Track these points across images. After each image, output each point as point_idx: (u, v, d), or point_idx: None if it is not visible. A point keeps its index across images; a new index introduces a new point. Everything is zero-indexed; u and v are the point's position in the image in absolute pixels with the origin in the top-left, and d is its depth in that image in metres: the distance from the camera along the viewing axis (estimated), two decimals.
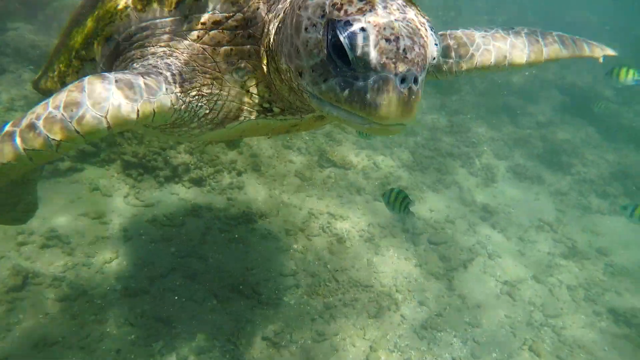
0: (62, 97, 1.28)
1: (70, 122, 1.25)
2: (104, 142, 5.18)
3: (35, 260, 4.05)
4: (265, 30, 1.44)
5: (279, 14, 1.39)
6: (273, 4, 1.44)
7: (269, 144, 5.82)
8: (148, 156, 5.06)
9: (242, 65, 1.50)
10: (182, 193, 5.03)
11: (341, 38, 1.06)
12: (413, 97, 1.05)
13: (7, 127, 1.32)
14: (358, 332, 4.11)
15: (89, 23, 1.65)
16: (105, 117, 1.27)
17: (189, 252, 4.41)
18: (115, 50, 1.57)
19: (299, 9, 1.20)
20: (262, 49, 1.45)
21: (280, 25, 1.36)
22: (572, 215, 7.07)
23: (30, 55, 6.13)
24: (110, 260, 4.20)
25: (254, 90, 1.55)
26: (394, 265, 4.91)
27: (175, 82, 1.46)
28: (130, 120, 1.31)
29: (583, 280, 5.72)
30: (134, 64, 1.51)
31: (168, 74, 1.45)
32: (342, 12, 1.09)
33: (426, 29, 1.12)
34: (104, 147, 5.17)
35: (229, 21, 1.45)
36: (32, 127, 1.27)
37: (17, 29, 6.72)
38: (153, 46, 1.49)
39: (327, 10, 1.12)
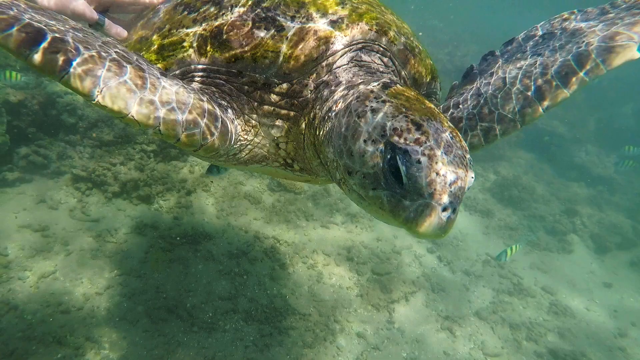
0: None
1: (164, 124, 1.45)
2: (55, 154, 5.33)
3: None
4: (310, 107, 1.65)
5: (329, 99, 1.61)
6: (322, 85, 1.64)
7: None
8: (98, 171, 5.22)
9: (279, 124, 1.71)
10: (128, 210, 5.19)
11: (399, 163, 1.25)
12: (450, 222, 1.26)
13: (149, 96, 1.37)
14: None
15: (156, 42, 1.77)
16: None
17: (129, 270, 4.56)
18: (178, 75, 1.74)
19: (358, 118, 1.39)
20: (303, 121, 1.67)
21: (330, 114, 1.55)
22: (520, 250, 7.47)
23: None
24: (47, 275, 4.31)
25: (282, 146, 1.78)
26: (334, 295, 5.15)
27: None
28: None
29: (526, 319, 6.03)
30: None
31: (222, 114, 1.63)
32: (402, 139, 1.27)
33: (467, 164, 1.31)
34: (55, 159, 5.31)
35: (278, 87, 1.64)
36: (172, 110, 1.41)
37: None
38: (209, 85, 1.67)
39: (388, 133, 1.29)
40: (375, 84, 1.52)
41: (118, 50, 1.41)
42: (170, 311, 4.31)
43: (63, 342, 3.81)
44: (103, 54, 1.33)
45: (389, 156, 1.28)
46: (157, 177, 5.45)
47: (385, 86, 1.49)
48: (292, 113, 1.69)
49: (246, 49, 1.61)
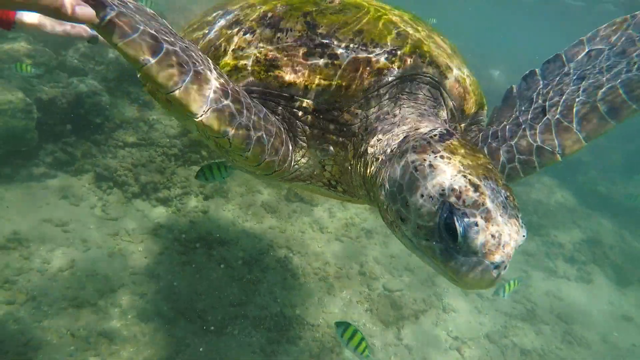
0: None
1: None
2: (80, 152, 5.54)
3: None
4: (360, 137, 1.72)
5: (379, 136, 1.67)
6: (372, 116, 1.70)
7: (239, 173, 6.18)
8: (119, 171, 5.40)
9: (327, 148, 1.78)
10: (147, 210, 5.34)
11: (456, 224, 1.30)
12: (498, 278, 1.32)
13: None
14: None
15: (230, 61, 1.80)
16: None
17: (143, 270, 4.68)
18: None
19: (416, 171, 1.43)
20: (351, 149, 1.74)
21: (382, 156, 1.61)
22: (537, 277, 7.36)
23: None
24: (65, 269, 4.46)
25: (328, 169, 1.86)
26: (344, 307, 5.17)
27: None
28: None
29: (538, 346, 5.94)
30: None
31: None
32: (460, 200, 1.32)
33: (519, 224, 1.36)
34: (79, 157, 5.52)
35: (328, 113, 1.71)
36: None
37: None
38: (268, 107, 1.73)
39: (447, 193, 1.34)
40: (432, 133, 1.54)
41: (212, 66, 1.47)
42: (181, 313, 4.40)
43: (76, 335, 3.93)
44: (207, 70, 1.40)
45: (445, 215, 1.33)
46: (176, 181, 5.61)
47: (442, 138, 1.51)
48: (340, 139, 1.74)
49: (299, 75, 1.66)
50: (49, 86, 5.51)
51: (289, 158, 1.71)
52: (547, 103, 1.87)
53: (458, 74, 1.80)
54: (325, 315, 4.97)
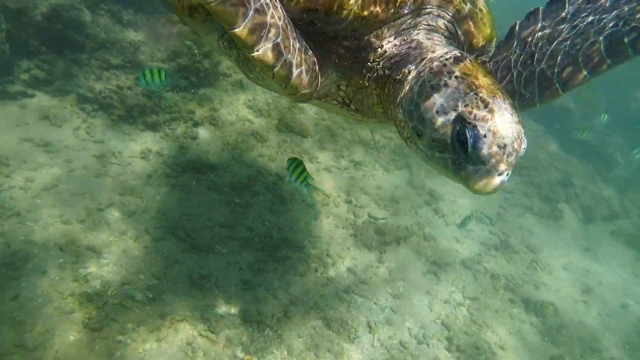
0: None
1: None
2: (59, 71, 5.14)
3: None
4: (374, 63, 1.79)
5: (397, 61, 1.72)
6: (387, 44, 1.77)
7: (230, 102, 5.89)
8: (104, 93, 5.06)
9: (342, 71, 1.86)
10: (134, 134, 5.08)
11: (467, 136, 1.41)
12: (503, 184, 1.45)
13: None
14: (282, 285, 4.35)
15: None
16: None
17: (130, 190, 4.51)
18: None
19: (432, 90, 1.52)
20: (366, 73, 1.81)
21: (400, 78, 1.68)
22: (513, 212, 7.48)
23: None
24: (50, 187, 4.26)
25: (343, 88, 1.95)
26: (330, 232, 5.15)
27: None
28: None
29: (507, 271, 6.13)
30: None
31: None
32: (472, 115, 1.42)
33: (522, 137, 1.46)
34: (59, 76, 5.13)
35: (345, 40, 1.77)
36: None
37: None
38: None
39: (460, 108, 1.44)
40: (447, 56, 1.61)
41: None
42: (170, 232, 4.30)
43: (64, 250, 3.81)
44: (265, 7, 1.48)
45: (458, 127, 1.43)
46: (164, 106, 5.30)
47: (457, 60, 1.58)
48: (356, 63, 1.81)
49: (320, 2, 1.69)
50: None
51: (316, 87, 1.80)
52: (537, 50, 1.96)
53: (471, 9, 1.85)
54: (311, 239, 4.95)
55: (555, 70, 1.86)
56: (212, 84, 5.76)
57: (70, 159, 4.61)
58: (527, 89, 1.92)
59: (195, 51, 5.40)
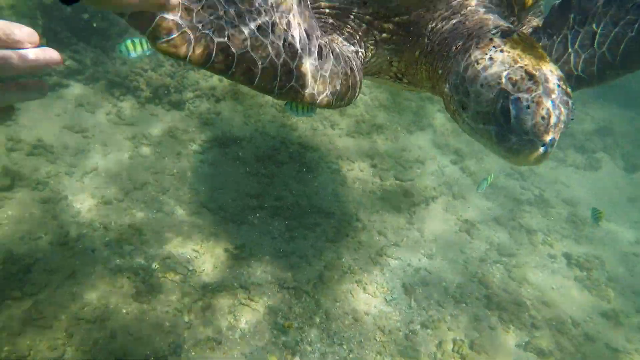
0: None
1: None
2: (89, 59, 5.27)
3: (22, 165, 4.33)
4: (425, 38, 1.77)
5: (445, 35, 1.70)
6: (438, 17, 1.74)
7: None
8: (130, 77, 5.17)
9: (394, 48, 1.86)
10: (161, 114, 5.19)
11: (510, 107, 1.39)
12: (547, 155, 1.42)
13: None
14: (315, 252, 4.43)
15: None
16: None
17: (162, 168, 4.66)
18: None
19: (477, 63, 1.52)
20: (418, 48, 1.80)
21: (448, 53, 1.67)
22: (546, 165, 7.16)
23: None
24: (90, 171, 4.47)
25: (395, 64, 1.96)
26: (357, 197, 5.15)
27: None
28: None
29: (544, 226, 5.93)
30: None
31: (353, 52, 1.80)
32: (515, 87, 1.40)
33: (569, 107, 1.41)
34: (89, 65, 5.27)
35: (396, 18, 1.78)
36: None
37: None
38: (334, 18, 1.81)
39: (504, 81, 1.43)
40: (495, 31, 1.59)
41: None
42: (203, 206, 4.44)
43: (109, 228, 4.03)
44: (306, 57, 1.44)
45: (501, 100, 1.41)
46: (187, 84, 5.36)
47: (504, 34, 1.55)
48: (407, 39, 1.80)
49: None
50: None
51: (357, 94, 1.75)
52: (598, 31, 1.86)
53: None
54: (340, 204, 4.97)
55: (619, 58, 1.79)
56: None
57: (105, 142, 4.79)
58: (586, 72, 1.86)
59: None
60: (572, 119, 1.44)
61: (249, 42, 1.23)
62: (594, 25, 1.87)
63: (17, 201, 4.03)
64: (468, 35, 1.64)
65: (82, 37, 5.27)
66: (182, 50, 1.10)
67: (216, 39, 1.15)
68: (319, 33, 1.53)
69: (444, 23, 1.74)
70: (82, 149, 4.66)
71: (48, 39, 5.01)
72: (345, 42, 1.77)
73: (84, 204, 4.18)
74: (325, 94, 1.52)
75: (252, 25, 1.24)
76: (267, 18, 1.29)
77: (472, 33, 1.64)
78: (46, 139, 4.62)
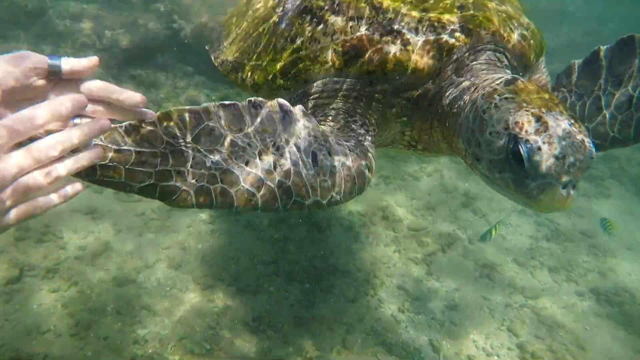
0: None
1: None
2: None
3: (31, 254, 4.25)
4: (436, 105, 1.77)
5: (454, 95, 1.72)
6: (445, 85, 1.75)
7: None
8: None
9: (405, 120, 1.87)
10: None
11: (522, 152, 1.37)
12: (570, 198, 1.37)
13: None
14: (335, 315, 4.23)
15: (286, 56, 1.86)
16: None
17: (173, 243, 4.58)
18: (308, 90, 1.84)
19: (484, 113, 1.52)
20: (429, 116, 1.81)
21: (457, 110, 1.69)
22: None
23: None
24: (100, 253, 4.38)
25: (407, 134, 1.96)
26: (372, 252, 5.01)
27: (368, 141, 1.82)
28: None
29: (565, 262, 5.73)
30: (329, 115, 1.81)
31: (364, 133, 1.80)
32: (523, 130, 1.38)
33: (586, 145, 1.37)
34: None
35: (405, 93, 1.78)
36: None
37: (17, 36, 6.90)
38: (342, 99, 1.79)
39: (511, 126, 1.41)
40: (498, 81, 1.60)
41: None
42: (217, 278, 4.30)
43: (121, 312, 3.87)
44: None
45: (512, 145, 1.39)
46: None
47: (508, 83, 1.57)
48: (416, 110, 1.81)
49: (377, 62, 1.69)
50: None
51: (366, 183, 1.71)
52: (636, 94, 1.86)
53: (519, 34, 1.82)
54: (355, 262, 4.82)
55: None
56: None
57: (115, 222, 4.74)
58: (622, 134, 1.86)
59: (213, 98, 5.50)
60: (592, 158, 1.39)
61: (248, 181, 1.39)
62: (630, 89, 1.88)
63: (26, 293, 3.91)
64: (475, 89, 1.66)
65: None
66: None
67: (212, 187, 1.35)
68: (317, 133, 1.55)
69: (451, 89, 1.75)
70: (92, 230, 4.60)
71: None
72: (353, 126, 1.76)
73: (94, 289, 4.05)
74: (328, 199, 1.52)
75: (241, 164, 1.40)
76: (256, 151, 1.42)
77: (477, 87, 1.65)
78: (54, 224, 4.57)
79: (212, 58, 2.47)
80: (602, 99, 1.90)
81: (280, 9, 2.02)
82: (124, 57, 5.78)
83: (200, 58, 6.03)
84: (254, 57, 2.05)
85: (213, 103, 1.37)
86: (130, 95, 1.01)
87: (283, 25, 1.95)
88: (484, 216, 6.08)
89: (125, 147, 1.22)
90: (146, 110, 1.09)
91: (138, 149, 1.25)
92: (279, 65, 1.87)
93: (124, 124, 1.22)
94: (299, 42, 1.84)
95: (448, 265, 5.17)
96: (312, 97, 1.83)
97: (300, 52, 1.81)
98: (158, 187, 1.31)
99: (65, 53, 5.83)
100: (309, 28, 1.83)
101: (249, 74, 2.05)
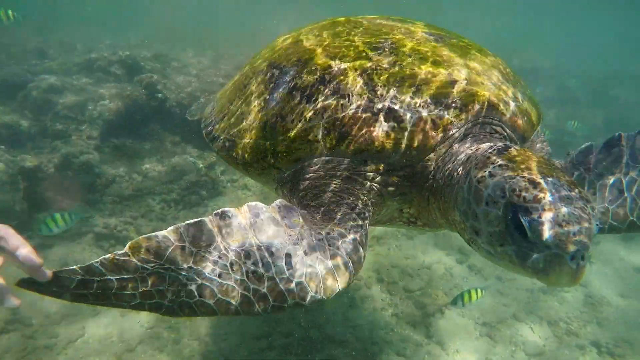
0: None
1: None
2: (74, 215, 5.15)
3: None
4: (432, 180, 1.71)
5: (449, 168, 1.65)
6: (440, 160, 1.69)
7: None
8: (119, 226, 5.03)
9: (402, 197, 1.80)
10: None
11: (522, 221, 1.28)
12: (580, 270, 1.24)
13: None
14: None
15: (277, 135, 1.81)
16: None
17: (160, 321, 4.27)
18: (300, 169, 1.77)
19: (479, 183, 1.44)
20: (426, 192, 1.74)
21: (452, 182, 1.61)
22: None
23: (3, 135, 6.19)
24: (75, 339, 4.04)
25: (406, 211, 1.88)
26: (369, 318, 4.79)
27: (362, 220, 1.72)
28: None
29: (564, 315, 5.61)
30: (319, 197, 1.73)
31: (355, 216, 1.70)
32: (521, 198, 1.30)
33: (589, 213, 1.30)
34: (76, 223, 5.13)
35: (400, 171, 1.70)
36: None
37: None
38: (334, 179, 1.71)
39: (507, 194, 1.34)
40: (492, 149, 1.54)
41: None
42: (206, 357, 3.98)
43: None
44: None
45: (511, 214, 1.31)
46: None
47: (501, 151, 1.52)
48: (413, 188, 1.75)
49: (369, 141, 1.63)
50: (32, 154, 5.16)
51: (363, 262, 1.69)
52: None
53: (514, 106, 1.78)
54: (353, 330, 4.58)
55: None
56: (221, 192, 5.76)
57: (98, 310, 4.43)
58: None
59: (200, 166, 5.46)
60: (598, 225, 1.38)
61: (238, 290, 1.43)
62: None
63: None
64: (467, 160, 1.60)
65: (66, 194, 5.22)
66: None
67: (191, 301, 1.43)
68: (293, 232, 1.52)
69: (446, 163, 1.70)
70: (74, 313, 4.27)
71: (30, 201, 4.93)
72: (345, 209, 1.68)
73: None
74: (309, 300, 1.44)
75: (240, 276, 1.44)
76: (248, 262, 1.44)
77: (470, 157, 1.60)
78: (23, 309, 4.24)
79: (204, 134, 2.43)
80: (623, 182, 1.88)
81: (272, 85, 1.97)
82: (107, 128, 5.77)
83: (185, 127, 6.07)
84: (246, 135, 1.99)
85: (181, 224, 1.42)
86: (30, 257, 1.22)
87: (273, 104, 1.90)
88: (479, 272, 5.98)
89: (107, 277, 1.38)
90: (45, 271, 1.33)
91: (117, 277, 1.40)
92: (269, 144, 1.82)
93: (99, 258, 1.43)
94: (289, 120, 1.78)
95: (447, 326, 4.96)
96: (303, 177, 1.75)
97: (291, 132, 1.75)
98: (145, 305, 1.40)
99: (46, 126, 5.77)
100: (300, 107, 1.77)
101: (240, 152, 1.98)
